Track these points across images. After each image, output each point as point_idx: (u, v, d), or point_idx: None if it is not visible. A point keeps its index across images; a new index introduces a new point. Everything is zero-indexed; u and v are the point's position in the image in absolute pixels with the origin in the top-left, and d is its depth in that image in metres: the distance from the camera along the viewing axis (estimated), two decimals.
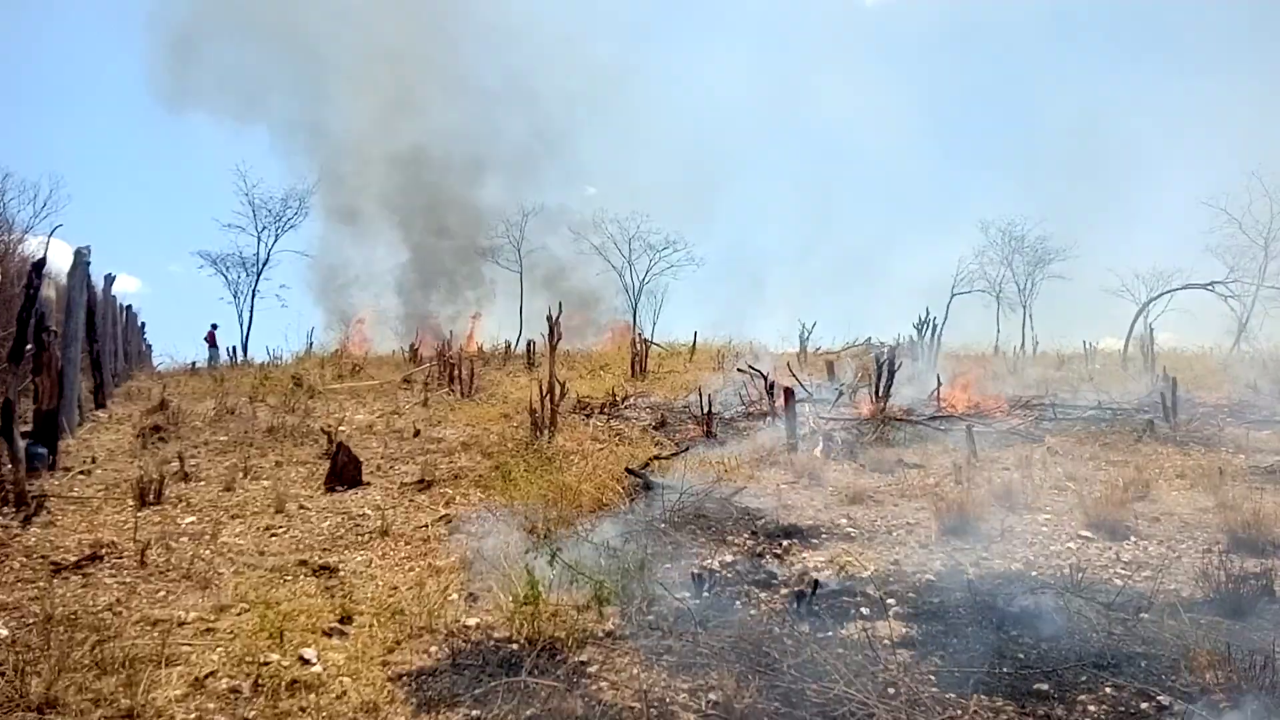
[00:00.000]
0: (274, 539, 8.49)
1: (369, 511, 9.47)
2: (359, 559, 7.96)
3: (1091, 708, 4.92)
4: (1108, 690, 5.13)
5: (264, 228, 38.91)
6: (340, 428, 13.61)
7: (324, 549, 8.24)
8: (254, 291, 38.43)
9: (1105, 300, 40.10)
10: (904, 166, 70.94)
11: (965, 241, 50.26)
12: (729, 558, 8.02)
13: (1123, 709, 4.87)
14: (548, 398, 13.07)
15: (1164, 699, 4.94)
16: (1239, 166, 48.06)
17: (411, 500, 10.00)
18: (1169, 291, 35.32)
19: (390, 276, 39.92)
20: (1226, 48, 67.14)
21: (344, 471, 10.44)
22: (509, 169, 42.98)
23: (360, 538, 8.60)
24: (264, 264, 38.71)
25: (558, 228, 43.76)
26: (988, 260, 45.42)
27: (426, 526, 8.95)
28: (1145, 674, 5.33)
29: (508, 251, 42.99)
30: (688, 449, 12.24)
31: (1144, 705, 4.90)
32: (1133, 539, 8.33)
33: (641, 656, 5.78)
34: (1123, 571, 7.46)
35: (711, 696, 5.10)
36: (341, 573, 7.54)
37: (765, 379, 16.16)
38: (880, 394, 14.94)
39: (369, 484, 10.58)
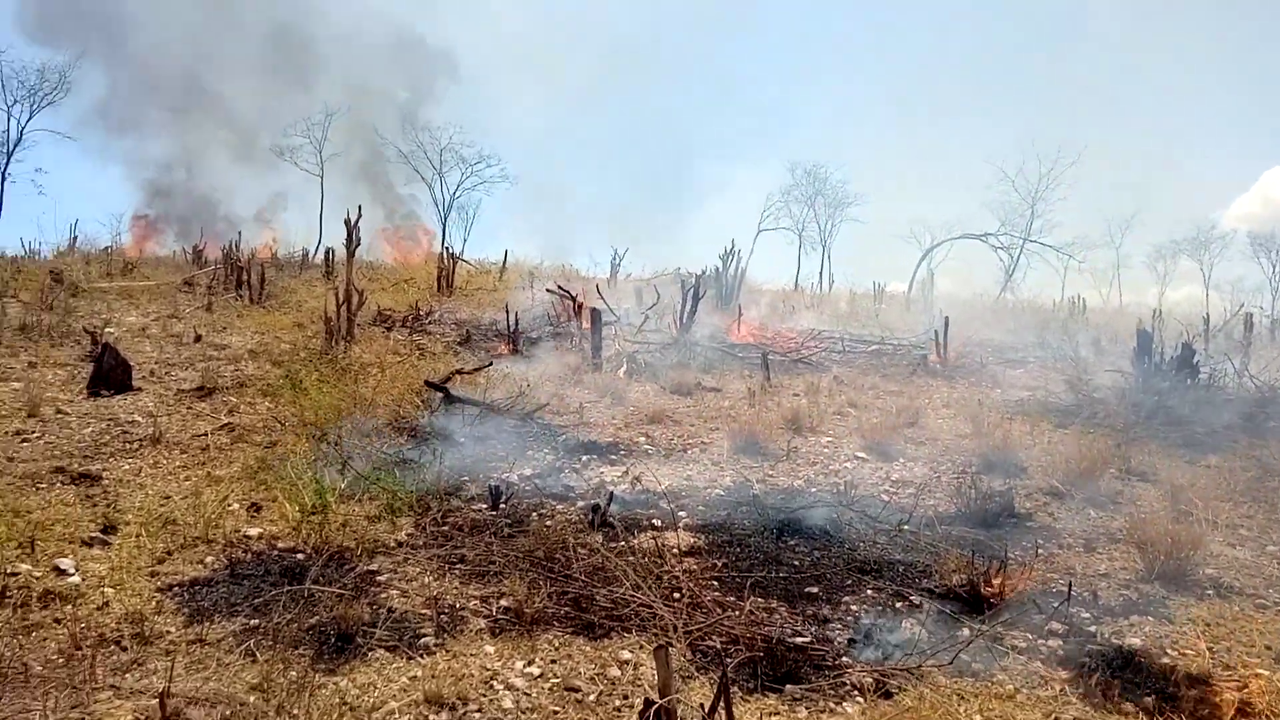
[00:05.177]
0: (25, 444, 7.66)
1: (139, 418, 8.72)
2: (126, 467, 7.35)
3: (854, 607, 5.37)
4: (869, 591, 5.61)
5: (15, 101, 34.04)
6: (108, 329, 12.38)
7: (85, 456, 7.53)
8: (3, 175, 33.75)
9: (894, 245, 43.28)
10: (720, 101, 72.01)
11: (774, 180, 52.33)
12: (528, 471, 8.04)
13: (880, 606, 5.35)
14: (344, 306, 12.45)
15: (915, 598, 5.46)
16: (1021, 131, 52.79)
17: (190, 408, 9.29)
18: (949, 240, 38.60)
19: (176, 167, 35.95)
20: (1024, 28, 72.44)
21: (110, 375, 9.51)
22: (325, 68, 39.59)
23: (128, 445, 7.92)
24: (15, 144, 33.94)
25: (364, 131, 41.14)
26: (793, 199, 47.49)
27: (206, 435, 8.36)
28: (902, 577, 5.86)
29: (307, 152, 40.11)
30: (491, 364, 12.08)
31: (898, 604, 5.40)
32: (901, 460, 9.07)
33: (434, 565, 5.73)
34: (890, 489, 8.13)
35: (503, 603, 5.13)
36: (105, 481, 6.94)
37: (573, 299, 16.14)
38: (684, 320, 15.33)
39: (140, 389, 9.71)
